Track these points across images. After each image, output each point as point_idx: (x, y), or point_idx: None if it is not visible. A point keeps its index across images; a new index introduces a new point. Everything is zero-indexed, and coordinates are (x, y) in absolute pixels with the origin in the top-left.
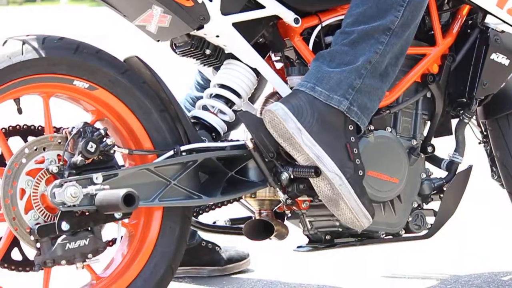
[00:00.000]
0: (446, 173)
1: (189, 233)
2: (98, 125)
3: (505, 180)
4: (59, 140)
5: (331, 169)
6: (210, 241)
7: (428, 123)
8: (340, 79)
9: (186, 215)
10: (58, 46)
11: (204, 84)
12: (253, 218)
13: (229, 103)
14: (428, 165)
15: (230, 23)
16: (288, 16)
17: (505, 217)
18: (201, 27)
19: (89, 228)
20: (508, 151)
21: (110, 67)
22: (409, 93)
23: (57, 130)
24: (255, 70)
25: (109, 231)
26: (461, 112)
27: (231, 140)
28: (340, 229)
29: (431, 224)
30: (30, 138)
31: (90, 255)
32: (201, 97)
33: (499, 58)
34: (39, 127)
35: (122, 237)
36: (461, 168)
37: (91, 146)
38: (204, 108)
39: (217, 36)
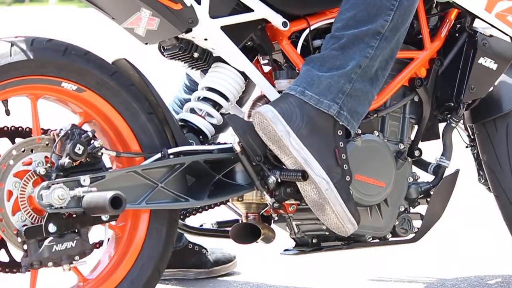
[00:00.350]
0: (433, 177)
1: (176, 236)
2: (86, 127)
3: (491, 184)
4: (47, 142)
5: (318, 173)
6: (196, 243)
7: (416, 127)
8: (330, 84)
9: (173, 217)
10: (47, 48)
11: (192, 87)
12: (240, 221)
13: (216, 106)
14: (415, 169)
15: (218, 27)
16: (276, 20)
17: (491, 220)
18: (189, 30)
19: (76, 230)
20: (495, 155)
21: (98, 69)
22: (397, 97)
23: (45, 132)
24: (243, 74)
25: (96, 233)
26: (448, 116)
27: (219, 143)
28: (327, 233)
29: (418, 228)
30: (18, 140)
31: (77, 257)
32: (189, 100)
33: (487, 62)
34: (27, 129)
35: (109, 239)
36: (448, 172)
37: (79, 148)
38: (192, 111)
39: (205, 39)
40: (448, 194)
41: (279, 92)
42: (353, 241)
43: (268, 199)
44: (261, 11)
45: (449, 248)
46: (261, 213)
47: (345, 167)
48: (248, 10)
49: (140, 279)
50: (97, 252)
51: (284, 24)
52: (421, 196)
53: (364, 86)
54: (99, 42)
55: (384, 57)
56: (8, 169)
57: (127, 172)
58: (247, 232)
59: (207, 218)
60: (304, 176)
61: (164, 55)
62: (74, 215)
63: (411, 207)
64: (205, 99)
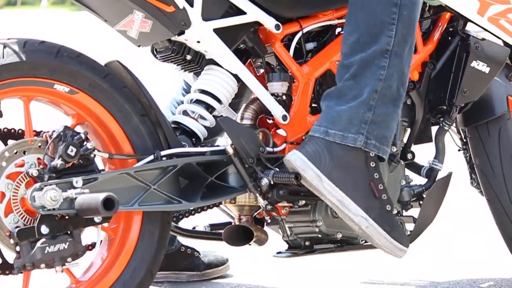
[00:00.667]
0: (426, 180)
1: (168, 238)
2: (78, 129)
3: (484, 187)
4: (40, 144)
5: (356, 213)
6: (189, 246)
7: (408, 130)
8: (350, 116)
9: (166, 219)
10: (39, 50)
11: (190, 89)
12: (233, 223)
13: (209, 108)
14: (408, 172)
15: (211, 29)
16: (269, 22)
17: (484, 224)
18: (182, 33)
19: (69, 232)
20: (487, 159)
21: (91, 71)
22: None
23: (38, 134)
24: (235, 76)
25: (88, 235)
26: (441, 119)
27: (211, 146)
28: (320, 235)
29: (411, 231)
30: (10, 142)
31: (69, 259)
32: None
33: (480, 65)
34: (20, 131)
35: (101, 241)
36: (440, 175)
37: (71, 150)
38: (185, 113)
39: (198, 42)
40: (440, 197)
41: (272, 94)
42: (345, 244)
43: (261, 201)
44: (254, 14)
45: (441, 252)
46: (253, 215)
47: (384, 197)
48: (241, 12)
49: (132, 281)
50: (89, 254)
51: (277, 27)
52: (414, 199)
53: (386, 109)
54: (91, 45)
55: (400, 73)
56: (1, 170)
57: (120, 174)
58: (240, 234)
59: (200, 221)
60: (297, 178)
61: (157, 58)
62: (67, 217)
63: (403, 210)
64: (198, 102)
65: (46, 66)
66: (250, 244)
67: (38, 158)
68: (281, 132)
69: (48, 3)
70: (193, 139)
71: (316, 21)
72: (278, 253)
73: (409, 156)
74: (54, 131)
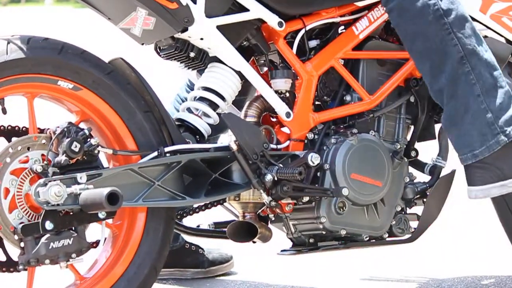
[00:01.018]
0: (430, 177)
1: (172, 234)
2: (82, 125)
3: None
4: (44, 140)
5: None
6: (193, 243)
7: (412, 127)
8: (478, 130)
9: (170, 216)
10: (43, 46)
11: (194, 86)
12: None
13: (213, 105)
14: (411, 170)
15: (214, 26)
16: (272, 20)
17: (488, 222)
18: (185, 30)
19: (73, 228)
20: None
21: (95, 68)
22: (393, 97)
23: (41, 131)
24: (239, 73)
25: (93, 233)
26: None
27: (215, 142)
28: (324, 232)
29: (415, 228)
30: (15, 139)
31: (74, 255)
32: None
33: None
34: (23, 128)
35: (106, 238)
36: (444, 172)
37: (76, 146)
38: (188, 110)
39: (201, 39)
40: (444, 194)
41: (276, 92)
42: (349, 240)
43: (265, 198)
44: (257, 11)
45: (445, 249)
46: (258, 213)
47: None
48: (244, 9)
49: (137, 278)
50: (94, 251)
51: (280, 24)
52: (418, 196)
53: (497, 98)
54: (95, 43)
55: (484, 63)
56: (5, 166)
57: (124, 170)
58: (244, 231)
59: (204, 219)
60: (301, 173)
61: (160, 56)
62: (71, 213)
63: (407, 208)
64: (202, 99)
65: (50, 62)
66: (254, 242)
67: (42, 154)
68: (285, 129)
69: (53, 0)
70: (197, 136)
71: (319, 19)
72: (282, 251)
73: (413, 153)
74: (58, 127)
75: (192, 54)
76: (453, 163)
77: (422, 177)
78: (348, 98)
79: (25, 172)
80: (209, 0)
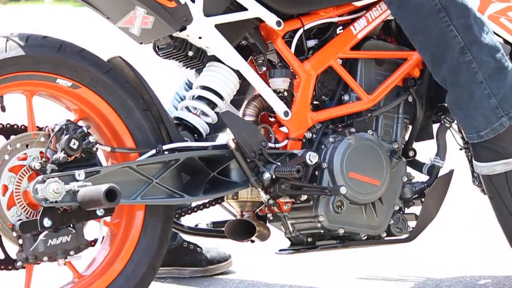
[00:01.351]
0: (428, 177)
1: (171, 233)
2: (80, 123)
3: (485, 185)
4: (42, 138)
5: None
6: (191, 242)
7: (410, 127)
8: (482, 114)
9: (168, 214)
10: (42, 44)
11: (192, 84)
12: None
13: (211, 104)
14: (409, 169)
15: (212, 25)
16: (270, 19)
17: (486, 221)
18: (183, 29)
19: (72, 225)
20: None
21: (93, 66)
22: (391, 97)
23: (40, 129)
24: (237, 72)
25: (91, 231)
26: (442, 116)
27: (214, 141)
28: (322, 231)
29: (413, 228)
30: (13, 137)
31: (72, 252)
32: None
33: None
34: (22, 127)
35: (104, 236)
36: (442, 172)
37: (74, 143)
38: (187, 109)
39: (200, 38)
40: (442, 194)
41: (274, 91)
42: (348, 240)
43: (263, 196)
44: (255, 10)
45: (443, 249)
46: (256, 212)
47: None
48: (242, 9)
49: (135, 276)
50: (92, 249)
51: (278, 24)
52: (416, 196)
53: (501, 81)
54: (94, 41)
55: (486, 50)
56: (3, 164)
57: (122, 168)
58: (242, 229)
59: (202, 218)
60: (299, 171)
61: (158, 55)
62: (69, 210)
63: (405, 207)
64: (200, 98)
65: (49, 60)
66: (252, 240)
67: (41, 152)
68: (283, 129)
69: None
70: (195, 135)
71: (317, 18)
72: (280, 250)
73: (411, 153)
74: (56, 124)
75: (190, 53)
76: (451, 162)
77: (420, 177)
78: (346, 97)
79: (23, 169)
80: None
